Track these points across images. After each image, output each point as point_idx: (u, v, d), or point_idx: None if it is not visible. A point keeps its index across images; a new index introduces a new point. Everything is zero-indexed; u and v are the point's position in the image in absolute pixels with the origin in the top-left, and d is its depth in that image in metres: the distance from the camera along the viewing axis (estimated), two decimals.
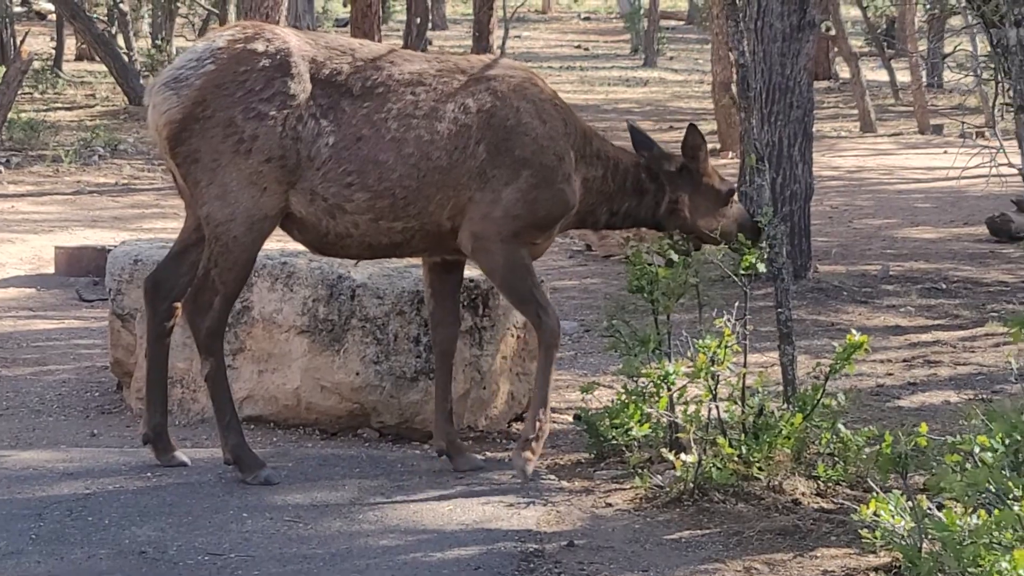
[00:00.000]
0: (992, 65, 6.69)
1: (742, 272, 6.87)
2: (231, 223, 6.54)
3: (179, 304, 6.84)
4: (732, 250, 7.11)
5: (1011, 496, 4.72)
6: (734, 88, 7.80)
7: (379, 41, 23.38)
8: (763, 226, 7.07)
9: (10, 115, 22.10)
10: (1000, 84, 6.70)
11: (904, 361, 9.91)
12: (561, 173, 6.88)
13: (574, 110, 7.24)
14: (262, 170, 6.51)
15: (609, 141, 7.30)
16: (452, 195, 6.72)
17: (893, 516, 5.23)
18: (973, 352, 10.20)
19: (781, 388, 7.19)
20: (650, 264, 7.11)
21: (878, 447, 5.56)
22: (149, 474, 6.74)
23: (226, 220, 6.54)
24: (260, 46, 6.60)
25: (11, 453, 7.15)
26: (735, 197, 7.34)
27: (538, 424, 6.77)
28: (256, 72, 6.54)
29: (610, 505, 6.54)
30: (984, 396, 8.80)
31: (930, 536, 5.04)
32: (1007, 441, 4.83)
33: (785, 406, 6.93)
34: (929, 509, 5.21)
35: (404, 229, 6.72)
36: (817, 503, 6.52)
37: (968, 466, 5.00)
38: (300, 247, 7.14)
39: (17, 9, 37.86)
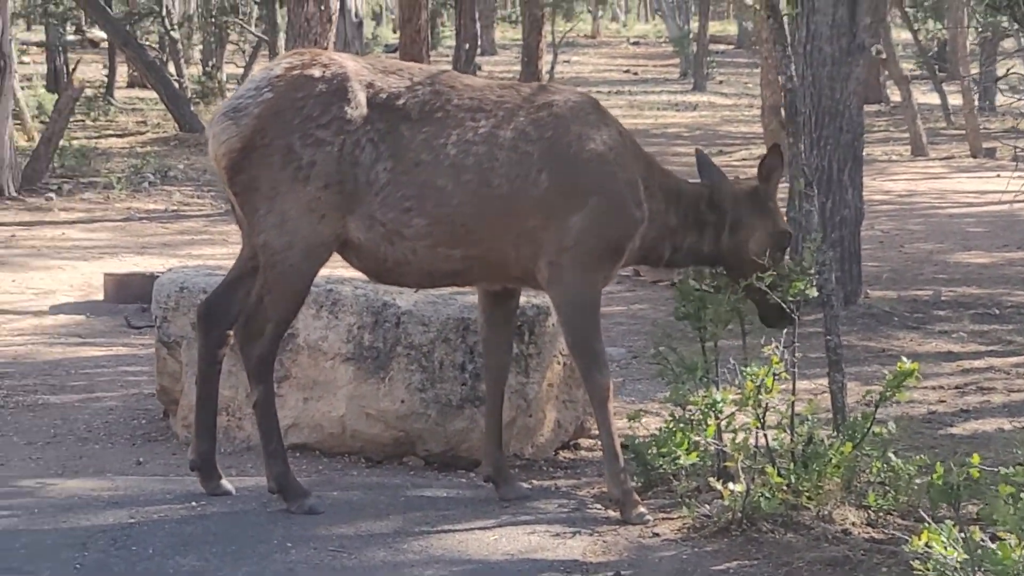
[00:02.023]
0: None
1: (790, 299, 6.79)
2: (289, 251, 6.50)
3: (231, 332, 6.81)
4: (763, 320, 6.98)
5: None
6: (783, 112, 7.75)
7: None
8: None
9: (62, 142, 22.24)
10: None
11: (956, 388, 9.80)
12: (631, 197, 6.76)
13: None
14: (320, 196, 6.47)
15: (671, 173, 7.15)
16: (514, 223, 6.62)
17: (945, 548, 5.13)
18: None
19: (831, 416, 7.11)
20: (697, 290, 7.04)
21: (930, 477, 5.46)
22: (194, 503, 6.71)
23: (284, 248, 6.50)
24: (317, 72, 6.57)
25: (57, 481, 7.14)
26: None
27: (620, 481, 6.68)
28: (313, 98, 6.51)
29: (657, 535, 6.46)
30: None
31: (984, 568, 4.94)
32: None
33: (835, 434, 6.84)
34: (982, 541, 5.11)
35: (464, 257, 6.64)
36: (868, 533, 6.43)
37: (1022, 495, 4.90)
38: (346, 274, 7.10)
39: (70, 37, 38.19)
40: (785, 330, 6.82)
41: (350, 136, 6.49)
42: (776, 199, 7.06)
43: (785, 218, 7.22)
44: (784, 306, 6.79)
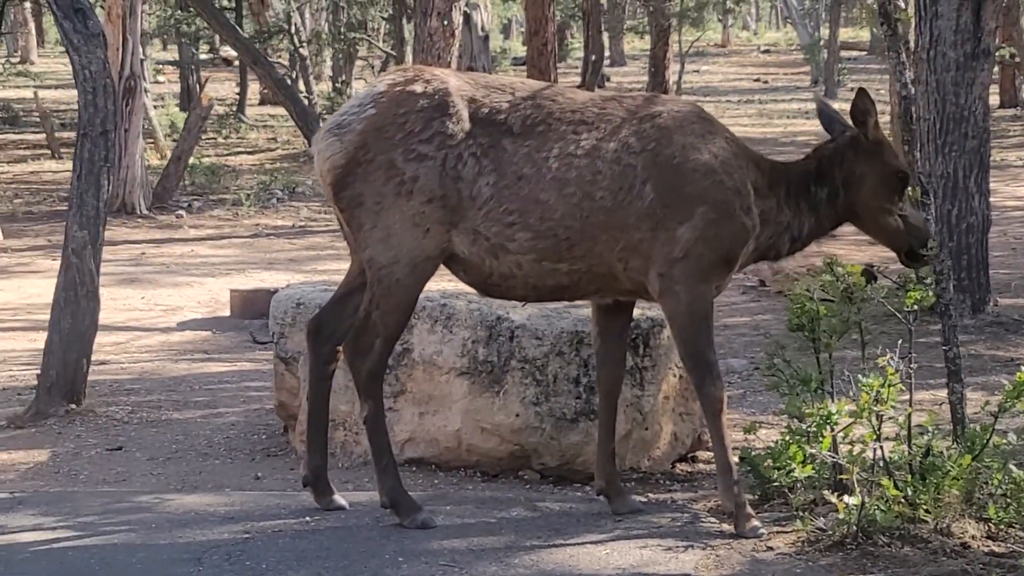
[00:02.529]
0: None
1: (906, 309, 6.69)
2: (394, 265, 6.54)
3: (341, 347, 6.85)
4: (907, 259, 6.93)
5: None
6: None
7: (555, 79, 23.47)
8: (931, 253, 6.86)
9: (192, 160, 22.58)
10: None
11: None
12: (740, 205, 6.69)
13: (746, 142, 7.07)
14: (424, 211, 6.50)
15: (780, 164, 7.06)
16: (620, 236, 6.59)
17: None
18: None
19: (951, 427, 6.99)
20: (811, 300, 6.95)
21: None
22: (308, 518, 6.75)
23: (389, 263, 6.54)
24: (419, 88, 6.61)
25: (175, 497, 7.23)
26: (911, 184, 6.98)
27: (734, 494, 6.60)
28: (415, 113, 6.54)
29: (771, 549, 6.38)
30: None
31: None
32: None
33: (954, 446, 6.72)
34: None
35: (570, 271, 6.62)
36: (988, 546, 6.30)
37: None
38: (459, 288, 7.11)
39: (203, 56, 38.78)
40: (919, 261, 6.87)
41: (452, 150, 6.51)
42: (882, 139, 6.95)
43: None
44: (917, 249, 6.85)
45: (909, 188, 6.88)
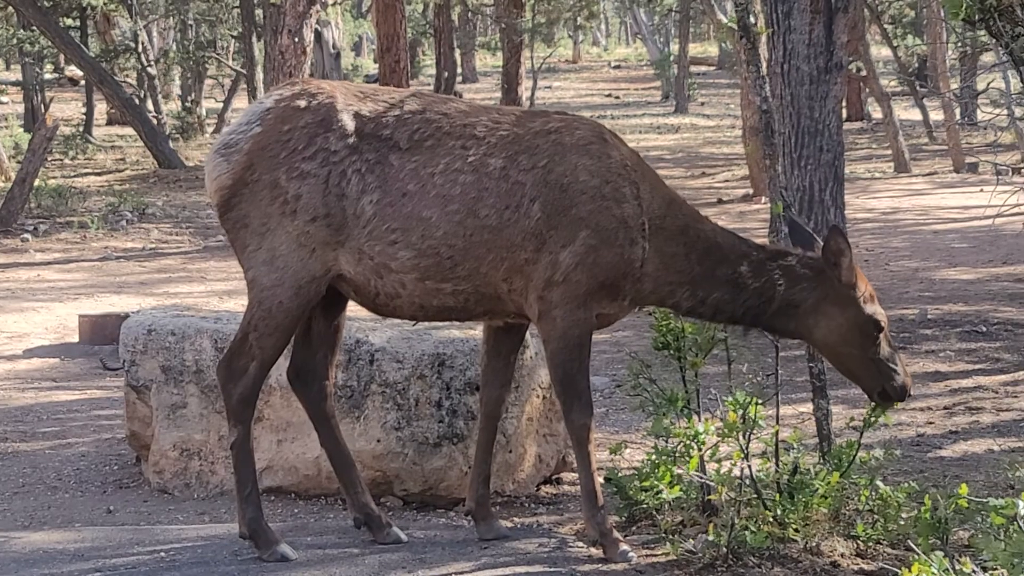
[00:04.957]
0: None
1: None
2: (278, 288, 6.33)
3: (329, 382, 6.67)
4: (879, 398, 6.50)
5: None
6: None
7: None
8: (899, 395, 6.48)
9: (38, 182, 22.07)
10: None
11: (945, 408, 9.65)
12: (624, 236, 6.38)
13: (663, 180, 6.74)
14: (308, 230, 6.30)
15: (712, 222, 6.67)
16: (505, 256, 6.35)
17: None
18: (1016, 397, 9.93)
19: (817, 442, 6.94)
20: (676, 317, 6.85)
21: (918, 509, 5.29)
22: (163, 553, 6.49)
23: (273, 285, 6.33)
24: (303, 103, 6.40)
25: (22, 535, 6.91)
26: (885, 331, 6.51)
27: (598, 524, 6.42)
28: (299, 130, 6.34)
29: (640, 572, 6.26)
30: None
31: None
32: None
33: (821, 462, 6.67)
34: (973, 571, 4.94)
35: (455, 292, 6.39)
36: (857, 564, 6.25)
37: (1013, 528, 4.73)
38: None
39: (48, 76, 38.05)
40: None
41: (336, 167, 6.31)
42: (856, 283, 6.41)
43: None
44: (890, 391, 6.43)
45: (880, 333, 6.45)
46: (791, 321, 6.50)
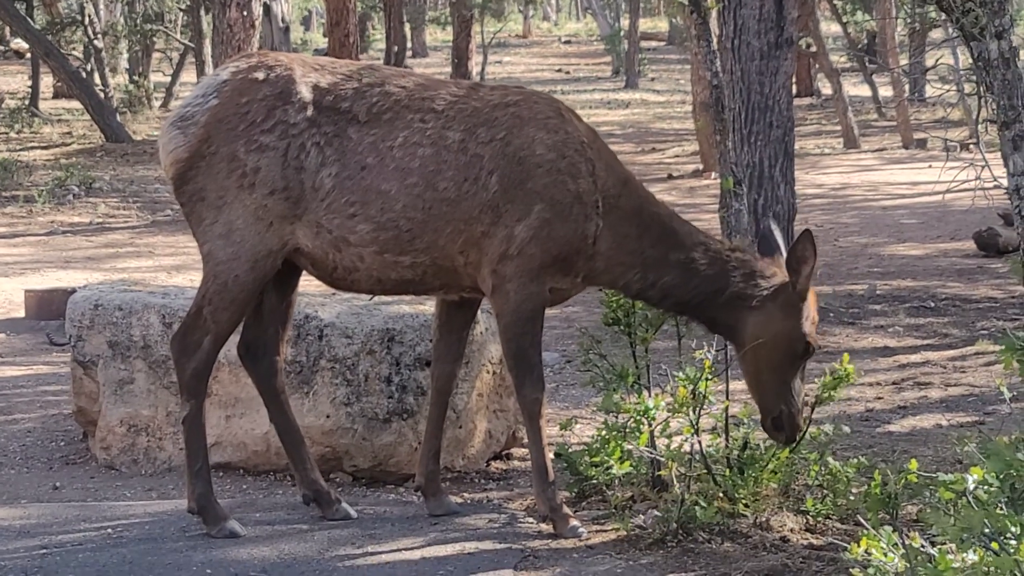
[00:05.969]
0: (974, 78, 6.43)
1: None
2: (234, 262, 6.28)
3: (279, 358, 6.64)
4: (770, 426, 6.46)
5: (1008, 535, 4.46)
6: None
7: None
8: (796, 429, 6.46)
9: None
10: (983, 98, 6.45)
11: (894, 384, 9.68)
12: (579, 211, 6.36)
13: (620, 160, 6.70)
14: (266, 204, 6.26)
15: (662, 203, 6.64)
16: (463, 229, 6.33)
17: (885, 554, 4.96)
18: (964, 372, 9.98)
19: None
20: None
21: (868, 484, 5.30)
22: (110, 530, 6.45)
23: (229, 259, 6.28)
24: (261, 75, 6.35)
25: None
26: (808, 359, 6.47)
27: (548, 499, 6.40)
28: (257, 102, 6.30)
29: (591, 548, 6.25)
30: (976, 419, 8.57)
31: None
32: (1002, 476, 4.57)
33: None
34: (922, 546, 4.95)
35: (413, 264, 6.37)
36: (806, 539, 6.26)
37: (961, 503, 4.75)
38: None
39: None
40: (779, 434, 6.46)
41: (295, 140, 6.27)
42: (806, 296, 6.39)
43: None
44: (785, 423, 6.41)
45: (805, 358, 6.43)
46: (732, 315, 6.46)
